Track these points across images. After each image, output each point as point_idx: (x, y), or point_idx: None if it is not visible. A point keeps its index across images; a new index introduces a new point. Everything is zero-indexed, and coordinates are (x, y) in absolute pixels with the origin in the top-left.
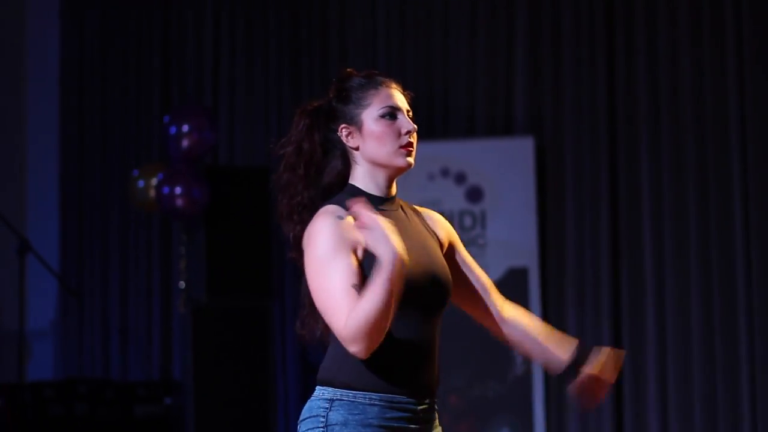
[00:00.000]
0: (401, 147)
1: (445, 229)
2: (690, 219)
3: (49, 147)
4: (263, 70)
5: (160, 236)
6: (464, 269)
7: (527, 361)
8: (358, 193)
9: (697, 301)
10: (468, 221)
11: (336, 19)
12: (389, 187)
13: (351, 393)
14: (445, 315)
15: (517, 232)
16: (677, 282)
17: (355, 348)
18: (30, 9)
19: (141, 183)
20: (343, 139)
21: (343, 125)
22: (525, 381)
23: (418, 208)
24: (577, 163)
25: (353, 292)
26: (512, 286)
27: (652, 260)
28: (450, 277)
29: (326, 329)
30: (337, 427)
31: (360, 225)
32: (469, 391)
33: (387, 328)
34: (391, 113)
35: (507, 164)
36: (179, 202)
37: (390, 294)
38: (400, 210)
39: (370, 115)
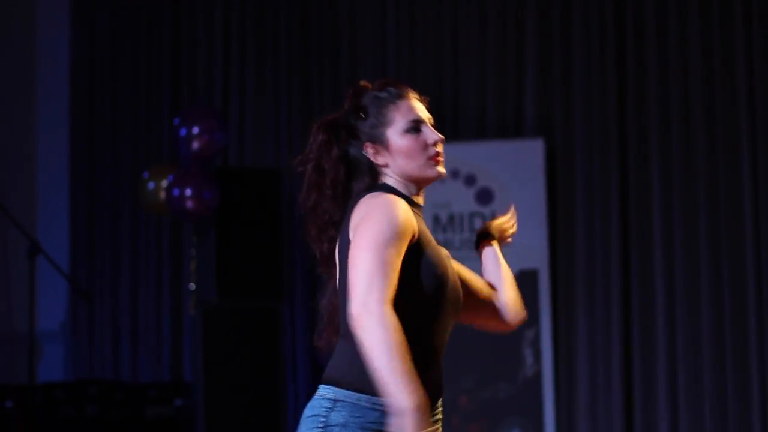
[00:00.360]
0: (430, 158)
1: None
2: (700, 221)
3: (59, 149)
4: (273, 72)
5: (170, 238)
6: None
7: (538, 362)
8: (396, 193)
9: (707, 302)
10: (478, 223)
11: (346, 20)
12: (419, 195)
13: (356, 395)
14: None
15: (528, 234)
16: (687, 283)
17: (361, 319)
18: (40, 10)
19: (151, 185)
20: (371, 158)
21: (368, 144)
22: (535, 382)
23: None
24: (587, 164)
25: (394, 281)
26: (522, 288)
27: (662, 262)
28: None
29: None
30: (336, 428)
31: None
32: (479, 393)
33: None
34: (416, 127)
35: (517, 166)
36: (189, 203)
37: (384, 375)
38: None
39: (394, 132)
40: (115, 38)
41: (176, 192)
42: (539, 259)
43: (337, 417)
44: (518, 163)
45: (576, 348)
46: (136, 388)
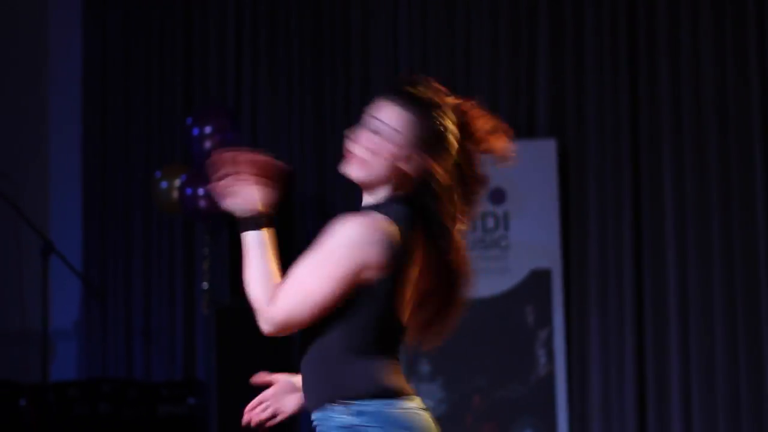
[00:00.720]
0: None
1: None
2: (713, 220)
3: (71, 148)
4: (286, 70)
5: (183, 237)
6: None
7: (551, 362)
8: (400, 208)
9: (720, 301)
10: (491, 223)
11: (358, 19)
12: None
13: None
14: (470, 316)
15: (540, 234)
16: (700, 282)
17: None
18: (52, 9)
19: (164, 184)
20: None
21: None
22: (548, 382)
23: None
24: (600, 164)
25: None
26: (535, 288)
27: (675, 261)
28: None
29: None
30: None
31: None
32: (492, 393)
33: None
34: None
35: (530, 166)
36: (202, 203)
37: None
38: None
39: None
40: (128, 37)
41: (189, 191)
42: (552, 259)
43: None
44: (531, 163)
45: (589, 348)
46: (149, 386)
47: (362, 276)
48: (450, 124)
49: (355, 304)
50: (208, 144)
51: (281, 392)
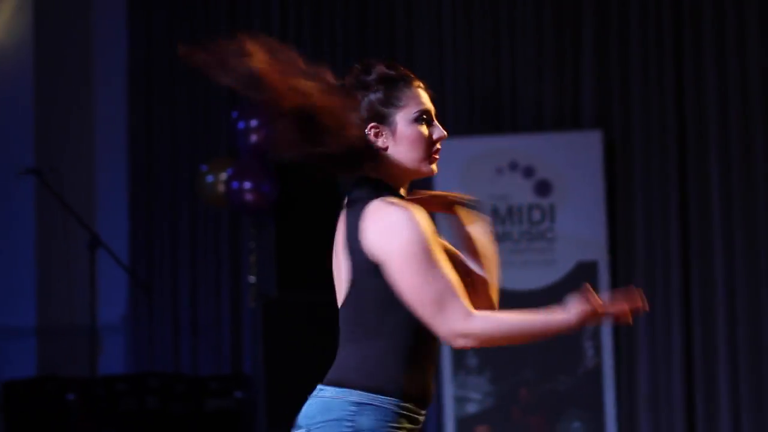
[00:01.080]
0: (430, 154)
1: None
2: (759, 211)
3: (117, 143)
4: (329, 65)
5: (229, 231)
6: None
7: (598, 354)
8: (390, 191)
9: None
10: (537, 215)
11: (402, 12)
12: (406, 189)
13: (381, 398)
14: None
15: (586, 226)
16: (748, 273)
17: (469, 343)
18: (97, 5)
19: (210, 178)
20: (371, 138)
21: (374, 124)
22: (595, 374)
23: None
24: (646, 155)
25: (461, 285)
26: (581, 280)
27: (722, 252)
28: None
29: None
30: None
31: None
32: (539, 385)
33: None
34: (427, 118)
35: (575, 158)
36: (248, 196)
37: (540, 336)
38: None
39: (404, 117)
40: (172, 31)
41: (235, 185)
42: (598, 252)
43: (366, 421)
44: (577, 154)
45: (636, 340)
46: (196, 380)
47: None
48: None
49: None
50: (253, 137)
51: None
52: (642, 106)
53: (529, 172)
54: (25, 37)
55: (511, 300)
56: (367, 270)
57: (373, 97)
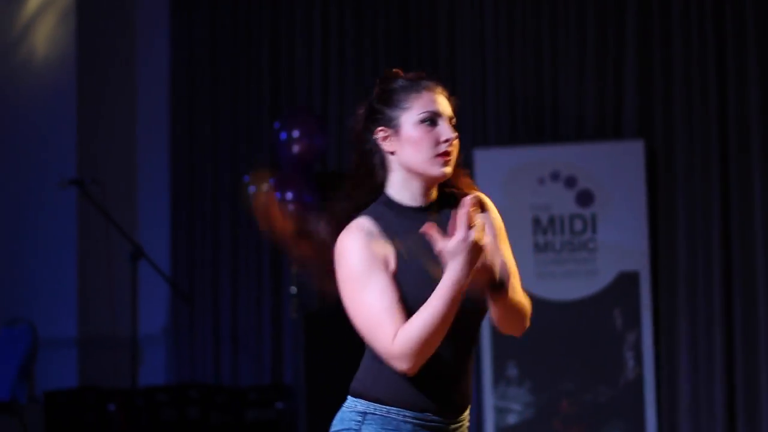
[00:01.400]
0: (438, 155)
1: (493, 228)
2: None
3: (159, 154)
4: (372, 74)
5: (270, 242)
6: None
7: (639, 365)
8: (390, 203)
9: None
10: (578, 225)
11: (445, 22)
12: (425, 195)
13: (384, 408)
14: (558, 319)
15: (628, 236)
16: None
17: (403, 365)
18: (139, 12)
19: (252, 188)
20: (380, 142)
21: (381, 128)
22: (636, 386)
23: (482, 200)
24: (688, 166)
25: (395, 308)
26: (623, 291)
27: (765, 263)
28: (484, 293)
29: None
30: None
31: (439, 251)
32: (580, 396)
33: (437, 346)
34: (432, 119)
35: (617, 168)
36: (290, 207)
37: (450, 311)
38: (440, 215)
39: (408, 119)
40: (214, 42)
41: (277, 196)
42: (640, 262)
43: (368, 430)
44: (619, 164)
45: (677, 351)
46: (237, 391)
47: None
48: None
49: None
50: (295, 148)
51: None
52: (684, 116)
53: (570, 182)
54: (68, 48)
55: (553, 310)
56: None
57: (380, 101)
